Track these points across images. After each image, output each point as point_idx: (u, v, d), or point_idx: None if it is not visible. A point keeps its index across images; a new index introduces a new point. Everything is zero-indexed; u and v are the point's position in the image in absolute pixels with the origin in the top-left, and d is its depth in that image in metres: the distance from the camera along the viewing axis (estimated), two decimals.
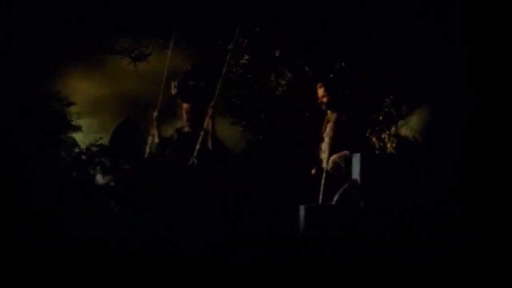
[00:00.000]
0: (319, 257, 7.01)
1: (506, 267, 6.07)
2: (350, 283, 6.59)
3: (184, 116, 9.21)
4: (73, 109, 9.08)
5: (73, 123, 8.82)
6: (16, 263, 6.36)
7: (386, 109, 8.74)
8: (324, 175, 8.11)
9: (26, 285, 6.31)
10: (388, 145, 8.53)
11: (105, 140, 9.09)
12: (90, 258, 6.89)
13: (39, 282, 6.31)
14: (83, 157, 8.42)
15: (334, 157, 8.15)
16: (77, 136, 8.71)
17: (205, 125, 8.91)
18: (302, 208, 7.59)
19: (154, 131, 9.38)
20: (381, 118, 8.68)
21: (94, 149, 8.49)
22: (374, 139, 8.53)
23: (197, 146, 8.81)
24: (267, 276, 6.70)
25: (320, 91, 8.28)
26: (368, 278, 6.57)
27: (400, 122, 8.58)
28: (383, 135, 8.55)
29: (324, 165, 8.14)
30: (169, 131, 9.48)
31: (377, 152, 8.50)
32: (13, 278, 6.32)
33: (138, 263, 6.97)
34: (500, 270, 6.04)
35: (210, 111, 8.90)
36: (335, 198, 7.64)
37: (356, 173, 7.76)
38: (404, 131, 8.41)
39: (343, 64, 8.93)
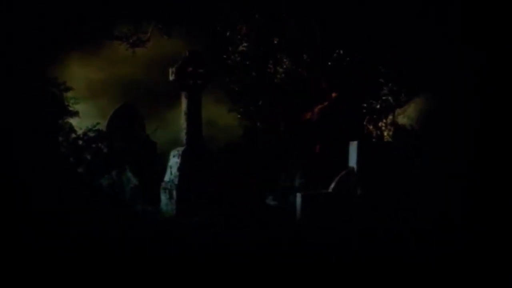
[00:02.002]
0: (315, 245, 7.03)
1: (506, 267, 6.07)
2: (347, 271, 6.60)
3: None
4: (70, 94, 9.08)
5: (70, 108, 8.83)
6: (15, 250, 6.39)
7: (383, 98, 8.74)
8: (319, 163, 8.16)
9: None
10: (385, 133, 8.53)
11: (102, 126, 9.10)
12: (89, 251, 6.92)
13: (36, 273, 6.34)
14: (80, 142, 8.44)
15: None
16: (74, 121, 8.72)
17: None
18: (298, 195, 7.61)
19: None
20: (378, 106, 8.69)
21: (91, 134, 8.51)
22: (371, 127, 8.54)
23: None
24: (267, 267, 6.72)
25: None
26: (364, 266, 6.58)
27: (398, 111, 8.58)
28: (380, 124, 8.55)
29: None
30: None
31: (374, 140, 8.51)
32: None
33: (137, 261, 6.99)
34: (500, 270, 6.05)
35: None
36: (332, 185, 7.65)
37: (353, 161, 7.78)
38: (401, 120, 8.41)
39: (341, 52, 8.91)
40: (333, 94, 8.50)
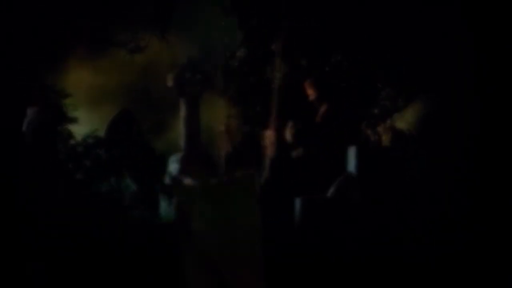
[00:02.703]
0: (315, 246, 7.03)
1: (506, 267, 6.08)
2: (345, 276, 6.60)
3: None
4: (69, 100, 9.07)
5: (69, 114, 8.82)
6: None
7: (381, 102, 8.75)
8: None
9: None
10: (383, 138, 8.53)
11: (101, 132, 9.08)
12: (88, 252, 6.92)
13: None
14: (79, 149, 8.43)
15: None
16: (73, 128, 8.70)
17: None
18: (298, 200, 7.61)
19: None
20: (376, 111, 8.69)
21: (90, 140, 8.50)
22: (369, 132, 8.54)
23: None
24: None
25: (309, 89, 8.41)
26: (362, 271, 6.58)
27: (395, 115, 8.58)
28: (378, 128, 8.56)
29: None
30: None
31: (372, 145, 8.52)
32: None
33: (138, 260, 7.00)
34: (500, 270, 6.05)
35: None
36: (331, 190, 7.66)
37: (351, 166, 7.79)
38: (399, 124, 8.42)
39: (339, 57, 8.92)
40: (324, 106, 8.50)
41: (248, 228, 6.99)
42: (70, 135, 8.63)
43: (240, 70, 9.96)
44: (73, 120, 8.87)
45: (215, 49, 10.02)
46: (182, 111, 9.31)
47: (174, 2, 9.92)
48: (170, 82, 9.26)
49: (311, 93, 8.50)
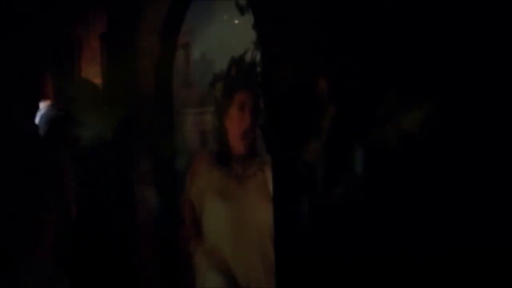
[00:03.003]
0: (317, 246, 7.04)
1: (506, 267, 6.04)
2: (348, 280, 6.60)
3: None
4: (76, 103, 9.17)
5: (76, 118, 8.91)
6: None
7: (388, 103, 8.73)
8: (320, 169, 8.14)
9: None
10: (390, 139, 8.52)
11: (105, 136, 9.18)
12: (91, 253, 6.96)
13: None
14: (85, 152, 8.52)
15: None
16: (78, 131, 8.79)
17: None
18: (299, 202, 7.62)
19: None
20: (382, 111, 8.67)
21: (94, 144, 8.59)
22: (375, 133, 8.53)
23: None
24: None
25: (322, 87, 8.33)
26: (366, 275, 6.58)
27: (403, 116, 8.56)
28: (384, 129, 8.55)
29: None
30: None
31: (378, 145, 8.50)
32: None
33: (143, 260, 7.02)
34: (500, 270, 6.02)
35: None
36: (333, 192, 7.65)
37: (357, 167, 7.78)
38: (406, 125, 8.41)
39: (345, 56, 8.89)
40: (332, 106, 8.48)
41: (260, 225, 7.02)
42: (76, 138, 8.72)
43: (251, 71, 9.98)
44: (80, 123, 8.96)
45: (226, 49, 10.05)
46: (190, 114, 9.37)
47: (187, 4, 9.96)
48: (179, 84, 9.31)
49: (322, 91, 8.46)
